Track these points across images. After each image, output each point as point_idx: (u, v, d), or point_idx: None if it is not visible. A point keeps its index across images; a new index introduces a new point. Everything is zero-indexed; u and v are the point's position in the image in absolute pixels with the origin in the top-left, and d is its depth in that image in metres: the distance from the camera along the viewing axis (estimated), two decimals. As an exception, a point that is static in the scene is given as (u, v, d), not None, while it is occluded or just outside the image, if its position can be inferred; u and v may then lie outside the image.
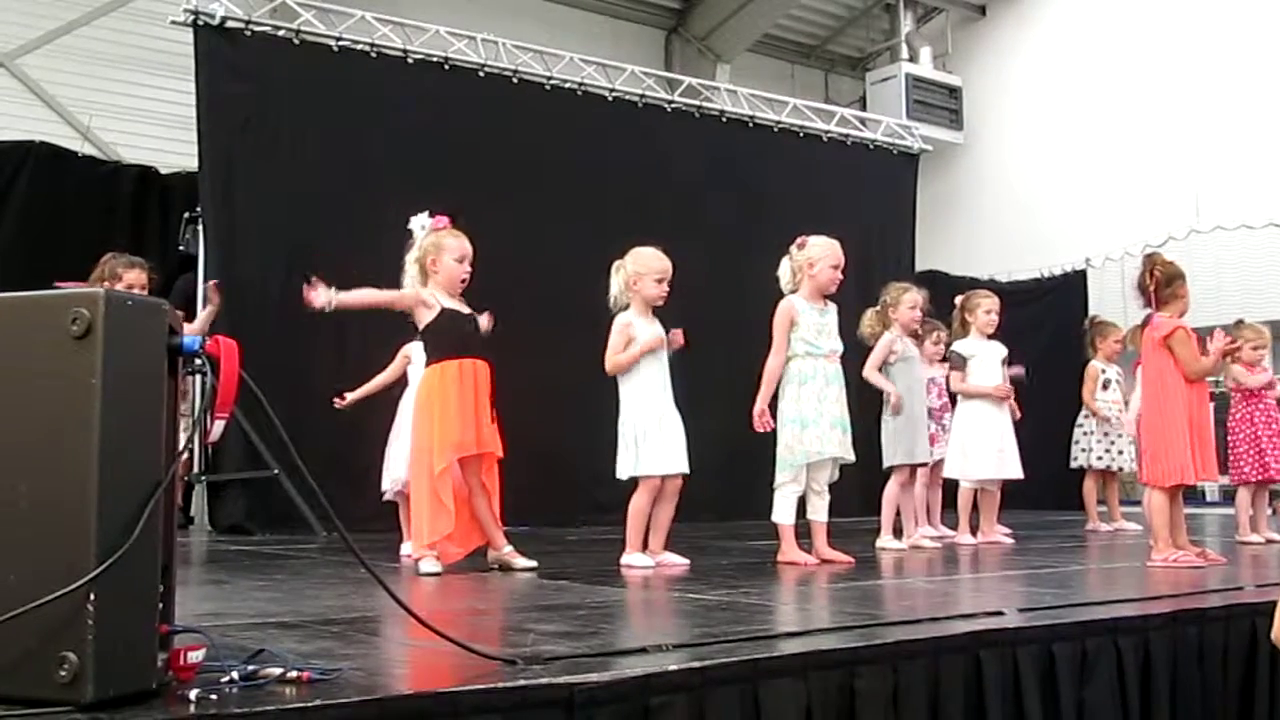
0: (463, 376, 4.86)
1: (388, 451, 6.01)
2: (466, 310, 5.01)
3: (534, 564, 4.92)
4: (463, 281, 4.99)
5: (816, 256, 5.38)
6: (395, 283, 5.21)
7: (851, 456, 5.38)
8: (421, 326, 4.96)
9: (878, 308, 6.59)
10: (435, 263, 4.92)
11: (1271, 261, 11.14)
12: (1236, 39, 11.96)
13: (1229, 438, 6.97)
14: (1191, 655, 3.44)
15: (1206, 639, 3.49)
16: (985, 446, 6.85)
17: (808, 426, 5.23)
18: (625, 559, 5.06)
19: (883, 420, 6.51)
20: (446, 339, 4.92)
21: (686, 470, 5.22)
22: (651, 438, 5.12)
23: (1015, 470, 6.96)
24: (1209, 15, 12.18)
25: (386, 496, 6.04)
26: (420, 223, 5.05)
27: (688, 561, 5.14)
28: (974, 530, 6.90)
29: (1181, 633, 3.44)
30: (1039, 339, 10.91)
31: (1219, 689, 3.49)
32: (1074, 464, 8.52)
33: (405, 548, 5.68)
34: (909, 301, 6.60)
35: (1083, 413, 8.49)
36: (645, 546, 5.16)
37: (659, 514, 5.20)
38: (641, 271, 5.23)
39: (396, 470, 5.87)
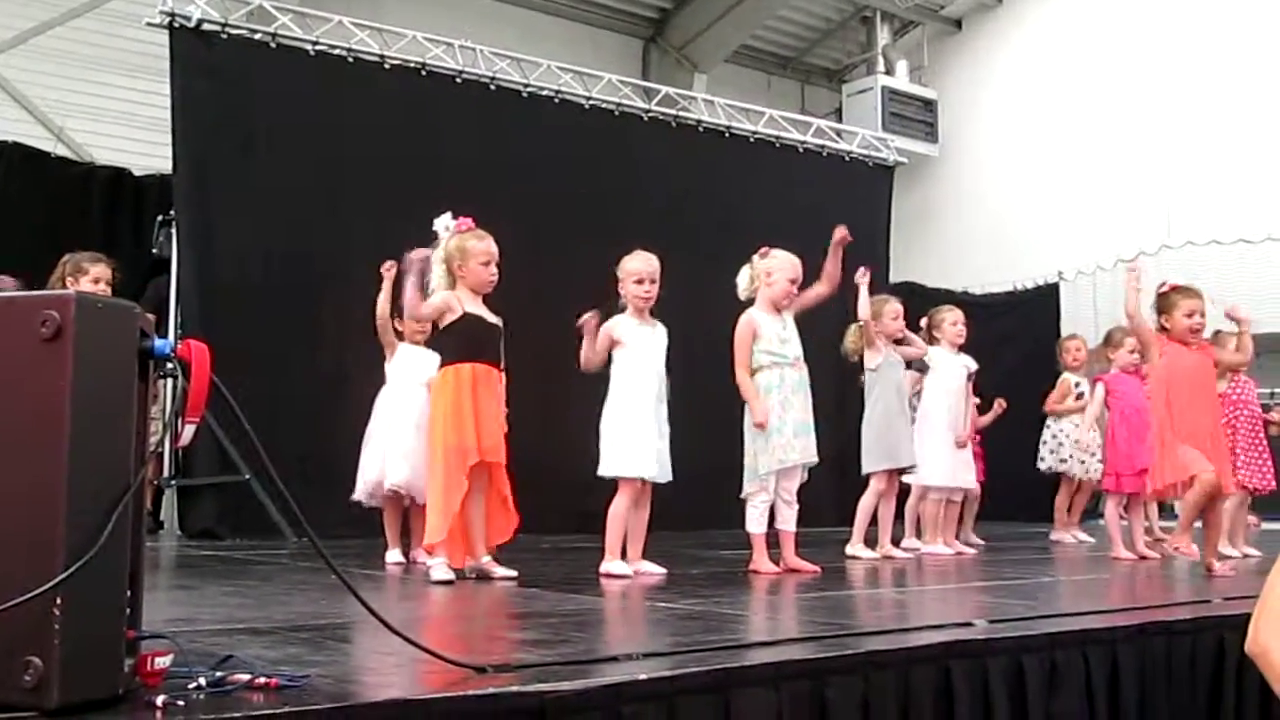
0: (475, 380, 4.83)
1: (362, 455, 5.93)
2: (491, 318, 4.97)
3: (514, 573, 4.84)
4: (490, 282, 4.97)
5: (775, 268, 5.45)
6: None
7: (815, 458, 5.40)
8: (442, 326, 4.96)
9: (860, 323, 6.61)
10: (462, 267, 4.92)
11: (1241, 276, 11.23)
12: (1209, 57, 12.10)
13: None
14: (1159, 668, 3.46)
15: (1174, 652, 3.51)
16: (939, 454, 6.88)
17: (771, 436, 5.26)
18: (605, 566, 5.04)
19: (863, 426, 6.53)
20: (463, 342, 4.89)
21: (667, 478, 5.20)
22: (632, 438, 5.11)
23: (969, 479, 7.01)
24: (1182, 34, 12.32)
25: (358, 498, 5.90)
26: (444, 224, 5.00)
27: (665, 570, 5.14)
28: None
29: (1149, 645, 3.46)
30: (1011, 351, 10.98)
31: (1186, 702, 3.52)
32: (1040, 465, 8.56)
33: (391, 554, 5.64)
34: (890, 312, 6.72)
35: (1054, 417, 8.55)
36: (624, 554, 5.15)
37: (633, 521, 5.20)
38: (621, 275, 5.27)
39: (370, 474, 5.83)
